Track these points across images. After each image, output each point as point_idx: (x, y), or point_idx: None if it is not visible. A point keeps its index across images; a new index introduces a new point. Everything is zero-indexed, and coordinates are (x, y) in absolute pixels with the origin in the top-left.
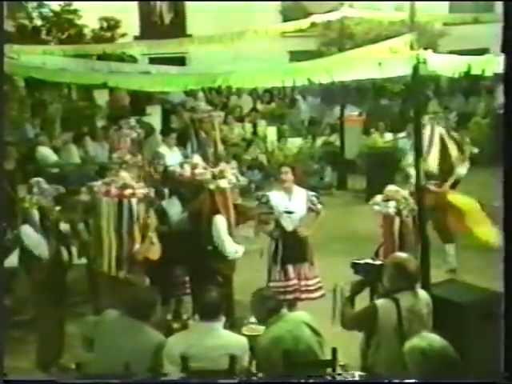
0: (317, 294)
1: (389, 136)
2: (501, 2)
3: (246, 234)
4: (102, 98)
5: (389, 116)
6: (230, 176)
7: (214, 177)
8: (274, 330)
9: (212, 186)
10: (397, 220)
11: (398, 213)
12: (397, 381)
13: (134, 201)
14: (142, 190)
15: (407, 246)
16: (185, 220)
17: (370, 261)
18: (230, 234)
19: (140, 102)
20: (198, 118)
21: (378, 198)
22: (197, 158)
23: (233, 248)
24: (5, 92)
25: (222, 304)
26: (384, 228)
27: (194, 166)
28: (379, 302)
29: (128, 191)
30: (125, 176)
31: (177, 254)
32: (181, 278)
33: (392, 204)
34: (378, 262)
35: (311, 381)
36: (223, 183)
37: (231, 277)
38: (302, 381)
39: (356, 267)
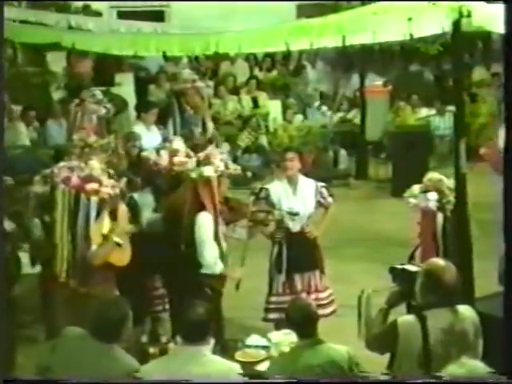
0: (329, 310)
1: (422, 111)
2: None
3: (238, 235)
4: (57, 62)
5: (422, 86)
6: (217, 162)
7: (198, 163)
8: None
9: (194, 175)
10: (440, 216)
11: (442, 207)
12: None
13: (94, 199)
14: (109, 189)
15: (451, 249)
16: (161, 218)
17: (407, 266)
18: (216, 238)
19: (107, 68)
20: (180, 89)
21: (416, 188)
22: (177, 143)
23: (212, 258)
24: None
25: (210, 323)
26: (422, 226)
27: (173, 153)
28: (402, 319)
29: (90, 186)
30: (94, 166)
31: (152, 261)
32: (158, 290)
33: (433, 196)
34: (415, 269)
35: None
36: (208, 171)
37: (221, 289)
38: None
39: (393, 274)
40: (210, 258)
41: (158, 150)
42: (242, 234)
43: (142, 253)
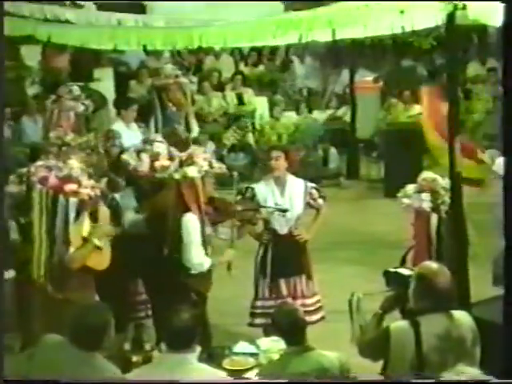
0: (317, 317)
1: (415, 108)
2: None
3: (224, 236)
4: (32, 56)
5: (414, 82)
6: (200, 161)
7: (181, 164)
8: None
9: (177, 176)
10: (434, 218)
11: (436, 208)
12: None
13: (73, 200)
14: (88, 190)
15: (446, 252)
16: (144, 219)
17: (401, 270)
18: (203, 239)
19: (85, 63)
20: (162, 84)
21: (410, 188)
22: (159, 145)
23: (198, 260)
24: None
25: (197, 329)
26: (416, 228)
27: (154, 157)
28: (394, 325)
29: (69, 187)
30: (73, 166)
31: (134, 264)
32: (140, 295)
33: (427, 196)
34: (408, 273)
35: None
36: (192, 171)
37: (206, 294)
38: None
39: (387, 277)
40: (197, 259)
41: (138, 153)
42: (228, 234)
43: (123, 256)
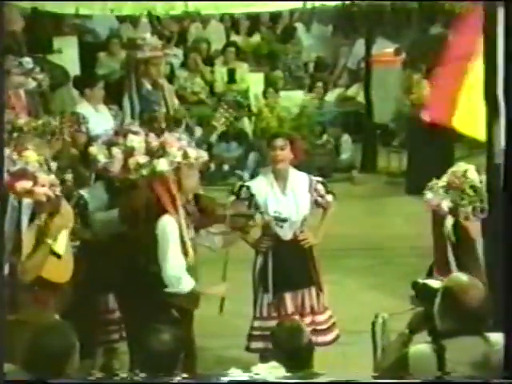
0: (331, 337)
1: None
2: None
3: (210, 243)
4: None
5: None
6: (173, 151)
7: (151, 156)
8: None
9: (145, 172)
10: (449, 220)
11: (454, 210)
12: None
13: (27, 202)
14: (46, 189)
15: (467, 263)
16: (117, 221)
17: (429, 281)
18: (183, 246)
19: (42, 29)
20: (141, 58)
21: (439, 183)
22: (134, 138)
23: (176, 272)
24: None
25: (179, 353)
26: (433, 232)
27: (128, 153)
28: (414, 349)
29: (22, 185)
30: (30, 158)
31: (105, 276)
32: (112, 313)
33: (450, 194)
34: (437, 285)
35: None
36: (161, 165)
37: (192, 312)
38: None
39: (416, 290)
40: (174, 271)
41: (109, 147)
42: (215, 241)
43: (91, 266)
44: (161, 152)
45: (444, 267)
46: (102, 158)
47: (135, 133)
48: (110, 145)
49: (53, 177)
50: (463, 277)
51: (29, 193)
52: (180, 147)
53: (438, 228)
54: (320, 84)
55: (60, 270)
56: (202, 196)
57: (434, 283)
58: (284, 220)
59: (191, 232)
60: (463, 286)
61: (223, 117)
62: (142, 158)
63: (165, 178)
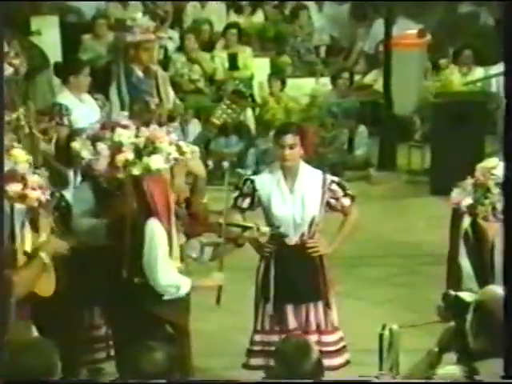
0: (339, 360)
1: (476, 72)
2: None
3: (197, 254)
4: None
5: (476, 35)
6: (166, 147)
7: (139, 152)
8: None
9: (137, 171)
10: (466, 221)
11: (472, 209)
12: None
13: (19, 208)
14: (38, 193)
15: (482, 268)
16: (105, 226)
17: (463, 294)
18: (171, 253)
19: (17, 7)
20: (131, 41)
21: (468, 183)
22: (122, 132)
23: (171, 280)
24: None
25: (172, 373)
26: (450, 233)
27: (116, 149)
28: (443, 371)
29: (14, 188)
30: (18, 158)
31: (90, 288)
32: (98, 330)
33: (474, 191)
34: (471, 298)
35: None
36: (156, 162)
37: (187, 327)
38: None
39: (446, 303)
40: (167, 280)
41: (93, 142)
42: (204, 253)
43: (74, 277)
44: (150, 148)
45: (455, 272)
46: (86, 155)
47: (124, 126)
48: (95, 140)
49: (37, 177)
50: (498, 290)
51: (21, 197)
52: (171, 142)
53: (455, 228)
54: (333, 70)
55: (47, 283)
56: (194, 200)
57: (467, 296)
58: (283, 235)
59: (182, 238)
60: (498, 300)
61: (225, 113)
62: (131, 155)
63: (161, 177)
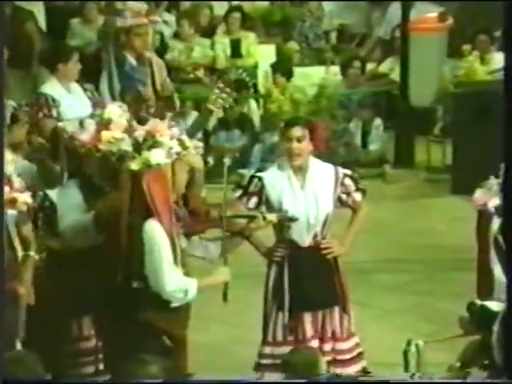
0: (354, 368)
1: (501, 59)
2: None
3: (203, 253)
4: None
5: (502, 19)
6: (167, 141)
7: (138, 146)
8: None
9: (135, 166)
10: (495, 223)
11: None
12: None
13: (11, 214)
14: (25, 196)
15: None
16: (94, 228)
17: (489, 304)
18: (174, 256)
19: None
20: (122, 26)
21: (494, 181)
22: (113, 110)
23: (177, 284)
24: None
25: None
26: (477, 236)
27: (104, 125)
28: None
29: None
30: (5, 158)
31: (78, 296)
32: (88, 341)
33: (497, 192)
34: (498, 308)
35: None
36: (157, 156)
37: (185, 338)
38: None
39: (471, 313)
40: (174, 285)
41: (82, 121)
42: (211, 250)
43: (61, 283)
44: (150, 141)
45: (486, 280)
46: (69, 128)
47: (119, 106)
48: (81, 121)
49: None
50: None
51: (11, 202)
52: (172, 136)
53: (482, 231)
54: (344, 58)
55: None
56: (191, 196)
57: (494, 306)
58: (293, 219)
59: (183, 240)
60: None
61: (220, 98)
62: (119, 133)
63: (161, 173)
